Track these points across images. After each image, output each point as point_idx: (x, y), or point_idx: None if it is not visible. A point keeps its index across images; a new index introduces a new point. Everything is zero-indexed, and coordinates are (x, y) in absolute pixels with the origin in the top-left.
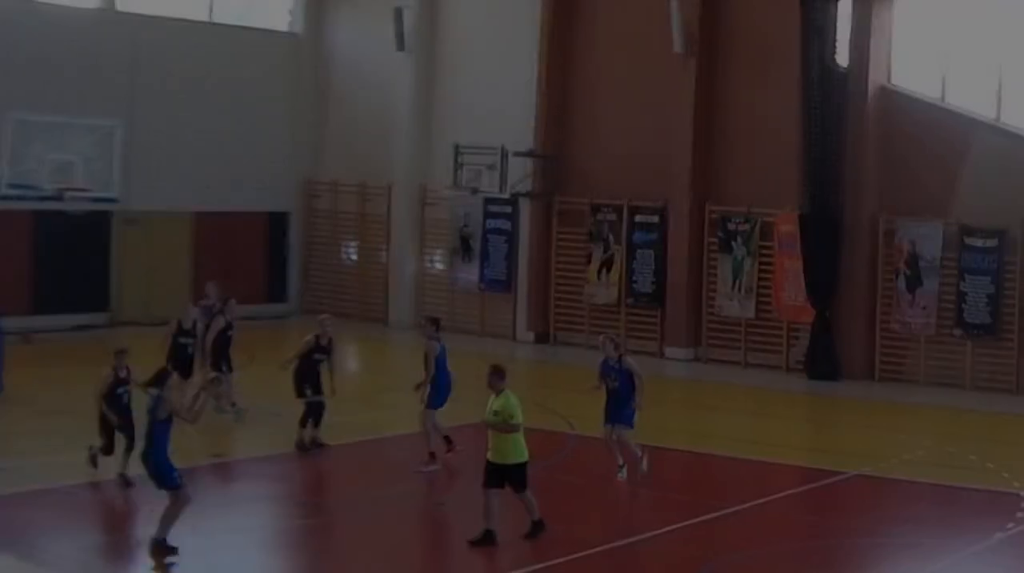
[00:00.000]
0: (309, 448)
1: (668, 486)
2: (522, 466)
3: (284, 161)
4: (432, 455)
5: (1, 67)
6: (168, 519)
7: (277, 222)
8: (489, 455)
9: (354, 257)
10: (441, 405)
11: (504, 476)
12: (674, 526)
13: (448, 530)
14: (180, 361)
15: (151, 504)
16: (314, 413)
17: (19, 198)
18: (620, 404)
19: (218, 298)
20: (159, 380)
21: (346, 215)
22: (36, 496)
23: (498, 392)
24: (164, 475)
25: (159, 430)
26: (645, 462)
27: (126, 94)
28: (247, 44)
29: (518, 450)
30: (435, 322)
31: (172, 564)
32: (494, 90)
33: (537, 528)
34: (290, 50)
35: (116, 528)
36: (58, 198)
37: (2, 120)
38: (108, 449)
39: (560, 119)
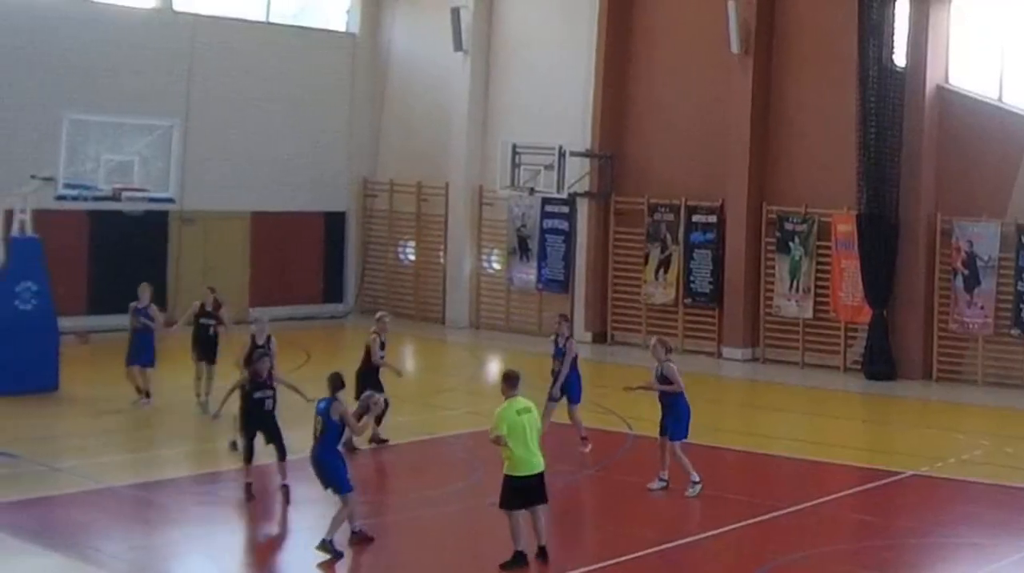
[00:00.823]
0: (373, 442)
1: (724, 486)
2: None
3: (341, 161)
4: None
5: (58, 67)
6: (337, 521)
7: (334, 222)
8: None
9: (411, 257)
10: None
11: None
12: (730, 527)
13: (503, 529)
14: (203, 343)
15: (206, 504)
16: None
17: (76, 198)
18: (664, 412)
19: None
20: (333, 386)
21: (403, 215)
22: (91, 496)
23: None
24: (335, 478)
25: (331, 433)
26: (694, 489)
27: (183, 94)
28: (304, 44)
29: (506, 464)
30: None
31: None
32: (551, 90)
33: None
34: (347, 50)
35: (170, 528)
36: (115, 198)
37: (59, 120)
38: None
39: (617, 119)
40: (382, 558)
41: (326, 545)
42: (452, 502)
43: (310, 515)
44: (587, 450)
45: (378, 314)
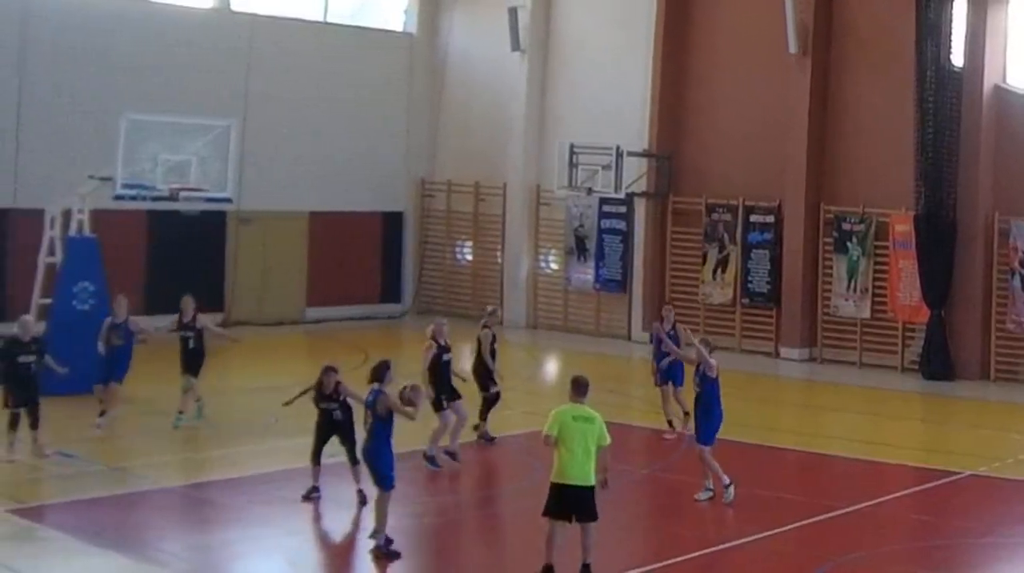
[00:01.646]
0: (481, 439)
1: (781, 486)
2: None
3: (399, 161)
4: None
5: (116, 67)
6: (383, 517)
7: (392, 222)
8: None
9: (468, 257)
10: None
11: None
12: (788, 527)
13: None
14: (184, 355)
15: (265, 503)
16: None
17: (134, 198)
18: (698, 416)
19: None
20: (378, 375)
21: (460, 215)
22: (149, 496)
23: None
24: (383, 474)
25: (380, 427)
26: (727, 492)
27: (241, 94)
28: (362, 44)
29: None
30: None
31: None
32: (609, 89)
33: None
34: (405, 50)
35: (228, 528)
36: (172, 198)
37: (117, 120)
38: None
39: (675, 119)
40: (428, 560)
41: (380, 549)
42: (503, 504)
43: (369, 517)
44: (671, 437)
45: (490, 308)
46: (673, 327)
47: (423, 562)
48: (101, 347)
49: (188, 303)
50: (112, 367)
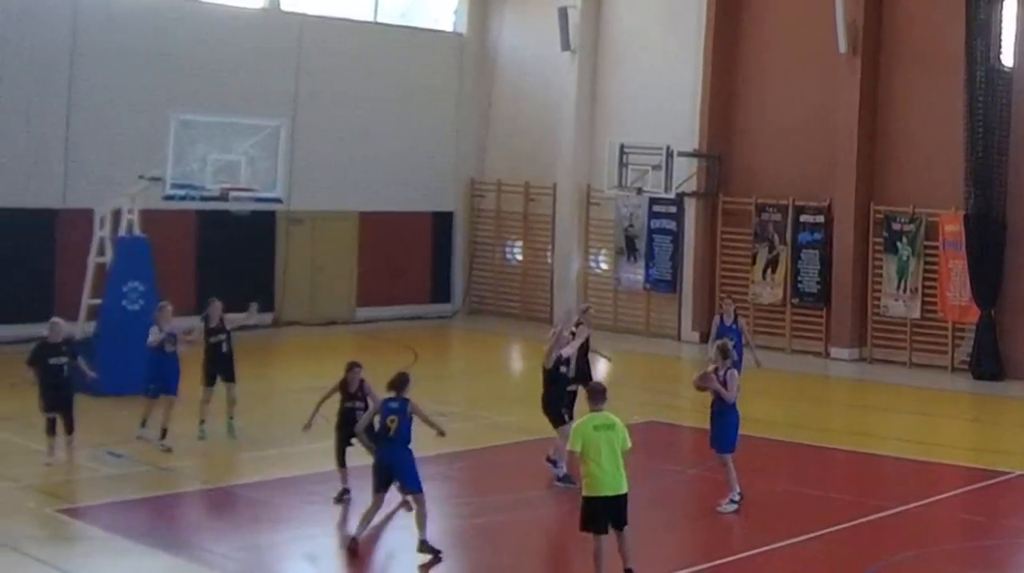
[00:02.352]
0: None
1: (831, 486)
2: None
3: (449, 161)
4: None
5: (166, 67)
6: (423, 518)
7: (442, 222)
8: None
9: (518, 257)
10: None
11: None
12: (838, 527)
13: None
14: (218, 362)
15: (316, 503)
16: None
17: (184, 198)
18: (712, 421)
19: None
20: (398, 385)
21: (510, 215)
22: (200, 496)
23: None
24: (412, 477)
25: (406, 432)
26: (729, 506)
27: (290, 94)
28: (412, 44)
29: (583, 483)
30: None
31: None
32: (659, 89)
33: None
34: (455, 50)
35: (279, 528)
36: (222, 198)
37: (167, 120)
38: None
39: (725, 119)
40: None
41: (425, 545)
42: (546, 506)
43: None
44: None
45: (583, 306)
46: (735, 321)
47: (472, 565)
48: (153, 347)
49: (216, 306)
50: (167, 379)
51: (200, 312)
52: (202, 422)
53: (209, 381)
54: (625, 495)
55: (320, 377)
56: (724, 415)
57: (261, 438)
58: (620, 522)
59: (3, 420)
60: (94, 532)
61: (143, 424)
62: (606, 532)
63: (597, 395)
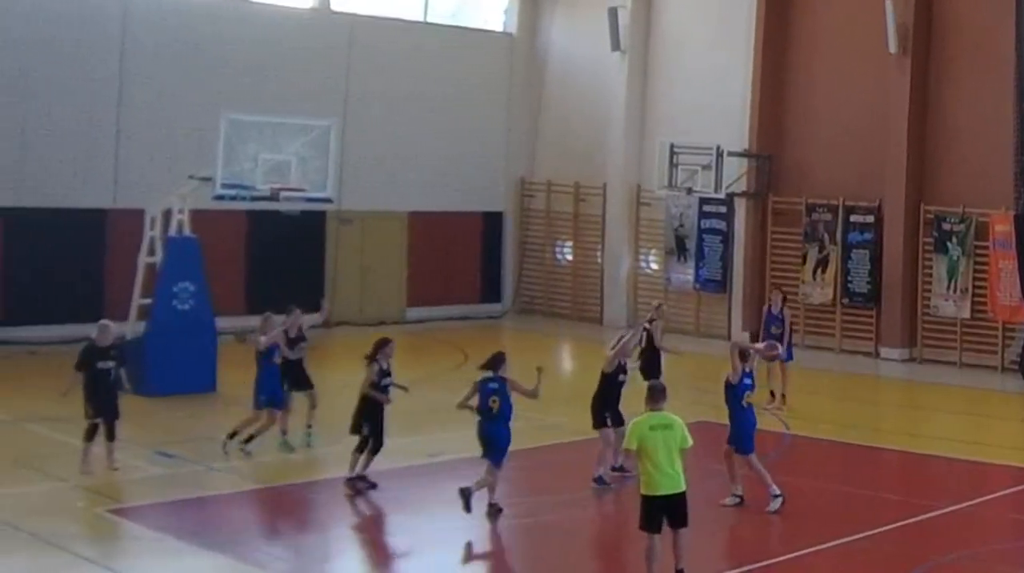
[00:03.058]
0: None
1: (881, 486)
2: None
3: (498, 161)
4: None
5: (216, 67)
6: (490, 485)
7: (491, 222)
8: None
9: (568, 257)
10: None
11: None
12: (888, 526)
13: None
14: (296, 371)
15: (367, 502)
16: None
17: (234, 198)
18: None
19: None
20: (495, 364)
21: (560, 215)
22: (250, 496)
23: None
24: (500, 453)
25: (507, 410)
26: (732, 498)
27: (340, 94)
28: (462, 44)
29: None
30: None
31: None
32: (709, 89)
33: None
34: (505, 50)
35: (330, 527)
36: (272, 198)
37: (217, 120)
38: (362, 446)
39: (775, 118)
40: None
41: (493, 507)
42: (595, 506)
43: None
44: (780, 409)
45: (656, 302)
46: (781, 310)
47: (522, 565)
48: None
49: (298, 315)
50: (276, 390)
51: (250, 312)
52: (284, 433)
53: (298, 387)
54: (683, 494)
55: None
56: (739, 418)
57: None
58: (678, 521)
59: (53, 421)
60: (143, 532)
61: (234, 435)
62: (659, 531)
63: (656, 394)
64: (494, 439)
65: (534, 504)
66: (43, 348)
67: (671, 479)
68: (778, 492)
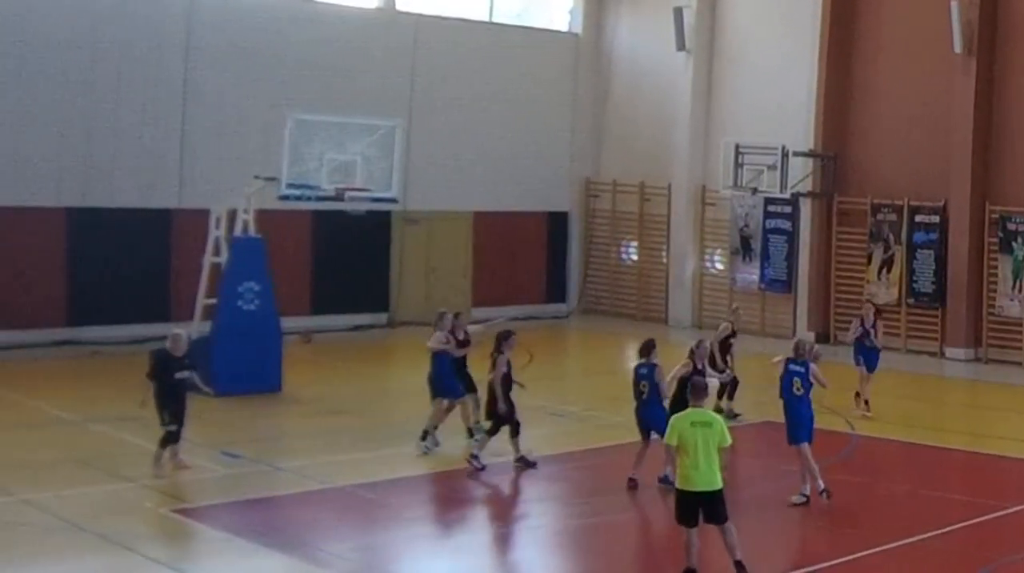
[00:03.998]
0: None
1: (947, 486)
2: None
3: (563, 161)
4: None
5: (282, 67)
6: (666, 461)
7: (557, 222)
8: None
9: (633, 257)
10: None
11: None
12: (953, 526)
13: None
14: (463, 374)
15: (433, 503)
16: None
17: (299, 198)
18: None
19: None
20: (647, 351)
21: (625, 215)
22: (315, 496)
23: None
24: (659, 431)
25: (654, 392)
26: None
27: (405, 94)
28: (527, 44)
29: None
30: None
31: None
32: (774, 89)
33: None
34: (570, 50)
35: (396, 527)
36: (338, 198)
37: (283, 120)
38: (494, 430)
39: (840, 118)
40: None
41: (665, 480)
42: (656, 506)
43: (535, 512)
44: (866, 414)
45: (734, 305)
46: (874, 323)
47: (585, 565)
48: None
49: (464, 318)
50: (453, 381)
51: (315, 312)
52: (478, 423)
53: (466, 390)
54: (720, 491)
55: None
56: (793, 404)
57: (377, 438)
58: (717, 518)
59: (118, 421)
60: (209, 532)
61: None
62: (695, 525)
63: (698, 392)
64: (651, 420)
65: (597, 505)
66: (108, 348)
67: (707, 476)
68: (807, 493)
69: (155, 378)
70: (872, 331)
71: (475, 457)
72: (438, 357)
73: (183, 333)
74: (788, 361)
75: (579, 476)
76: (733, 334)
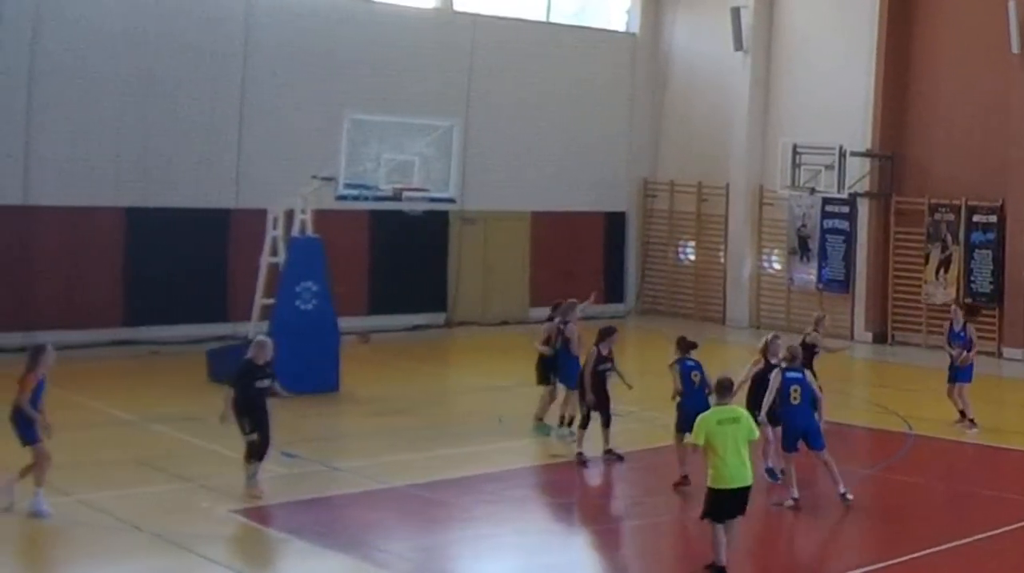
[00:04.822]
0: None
1: (1005, 486)
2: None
3: (621, 161)
4: None
5: (339, 67)
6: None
7: (614, 222)
8: None
9: (691, 257)
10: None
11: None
12: (1010, 526)
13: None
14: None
15: (492, 502)
16: None
17: (356, 198)
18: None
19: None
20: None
21: (683, 215)
22: (373, 496)
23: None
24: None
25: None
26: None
27: (463, 94)
28: (584, 44)
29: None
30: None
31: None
32: (831, 89)
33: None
34: (627, 50)
35: (454, 527)
36: (395, 198)
37: (340, 120)
38: (584, 422)
39: (897, 118)
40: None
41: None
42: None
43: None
44: (972, 430)
45: (818, 313)
46: (964, 327)
47: (638, 566)
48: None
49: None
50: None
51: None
52: (569, 420)
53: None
54: (750, 487)
55: (493, 376)
56: (789, 411)
57: (437, 438)
58: (739, 511)
59: (176, 421)
60: (268, 532)
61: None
62: (725, 521)
63: (724, 390)
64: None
65: (653, 505)
66: (165, 348)
67: (739, 472)
68: (795, 497)
69: (237, 386)
70: (962, 336)
71: (580, 454)
72: (566, 347)
73: (268, 341)
74: (784, 370)
75: (632, 477)
76: (815, 350)
